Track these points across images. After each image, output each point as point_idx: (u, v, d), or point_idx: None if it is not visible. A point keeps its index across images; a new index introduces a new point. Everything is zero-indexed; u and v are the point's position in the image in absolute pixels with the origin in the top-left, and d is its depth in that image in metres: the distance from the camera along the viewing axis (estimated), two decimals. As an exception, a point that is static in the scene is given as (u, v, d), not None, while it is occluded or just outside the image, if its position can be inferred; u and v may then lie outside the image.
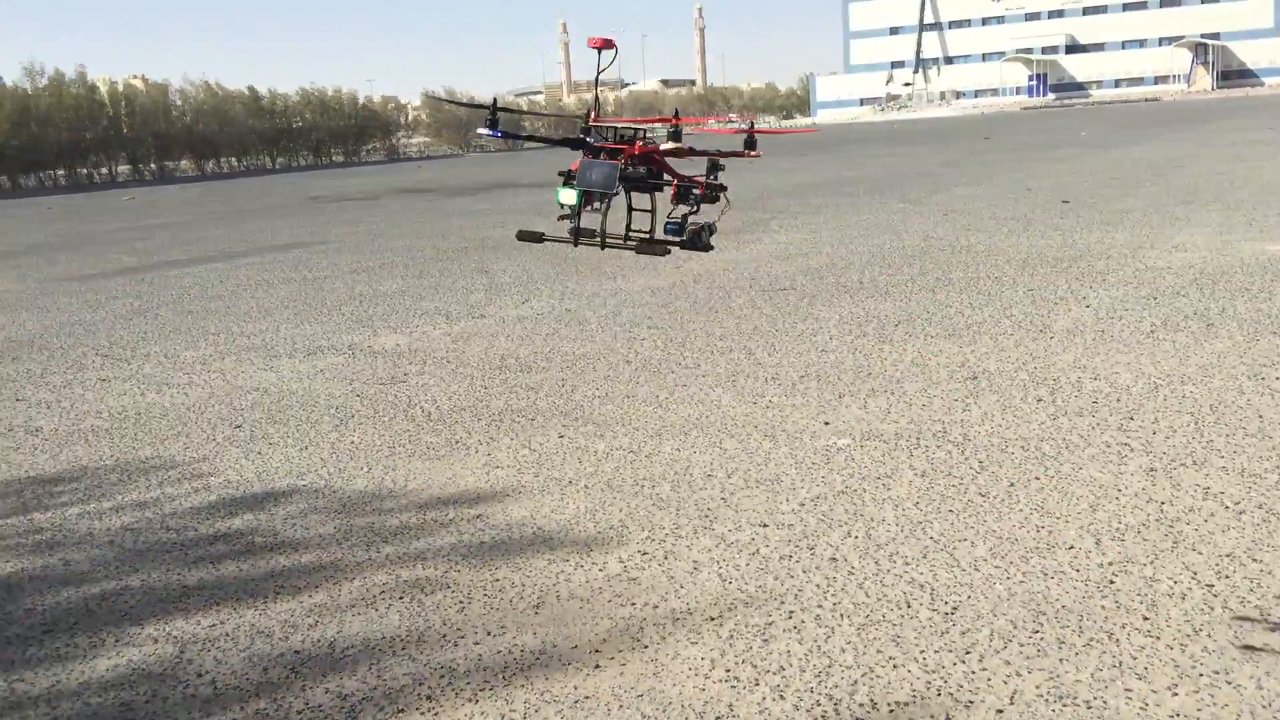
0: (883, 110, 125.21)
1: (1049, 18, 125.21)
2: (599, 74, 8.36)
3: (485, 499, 5.55)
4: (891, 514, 5.04)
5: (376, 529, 5.21)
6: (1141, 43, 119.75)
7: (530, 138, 9.42)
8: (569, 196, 8.60)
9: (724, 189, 8.63)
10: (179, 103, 69.64)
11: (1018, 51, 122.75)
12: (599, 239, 8.47)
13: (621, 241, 8.53)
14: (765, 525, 4.99)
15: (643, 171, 8.73)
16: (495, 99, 8.94)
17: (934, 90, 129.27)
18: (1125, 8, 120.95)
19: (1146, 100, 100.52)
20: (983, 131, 55.01)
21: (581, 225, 8.31)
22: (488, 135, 8.58)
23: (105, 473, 6.39)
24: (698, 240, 8.70)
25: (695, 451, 6.15)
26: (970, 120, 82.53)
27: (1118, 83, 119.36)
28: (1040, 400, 6.79)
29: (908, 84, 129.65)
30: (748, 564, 4.58)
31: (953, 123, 79.02)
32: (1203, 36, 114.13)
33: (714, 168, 8.68)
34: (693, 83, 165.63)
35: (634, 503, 5.38)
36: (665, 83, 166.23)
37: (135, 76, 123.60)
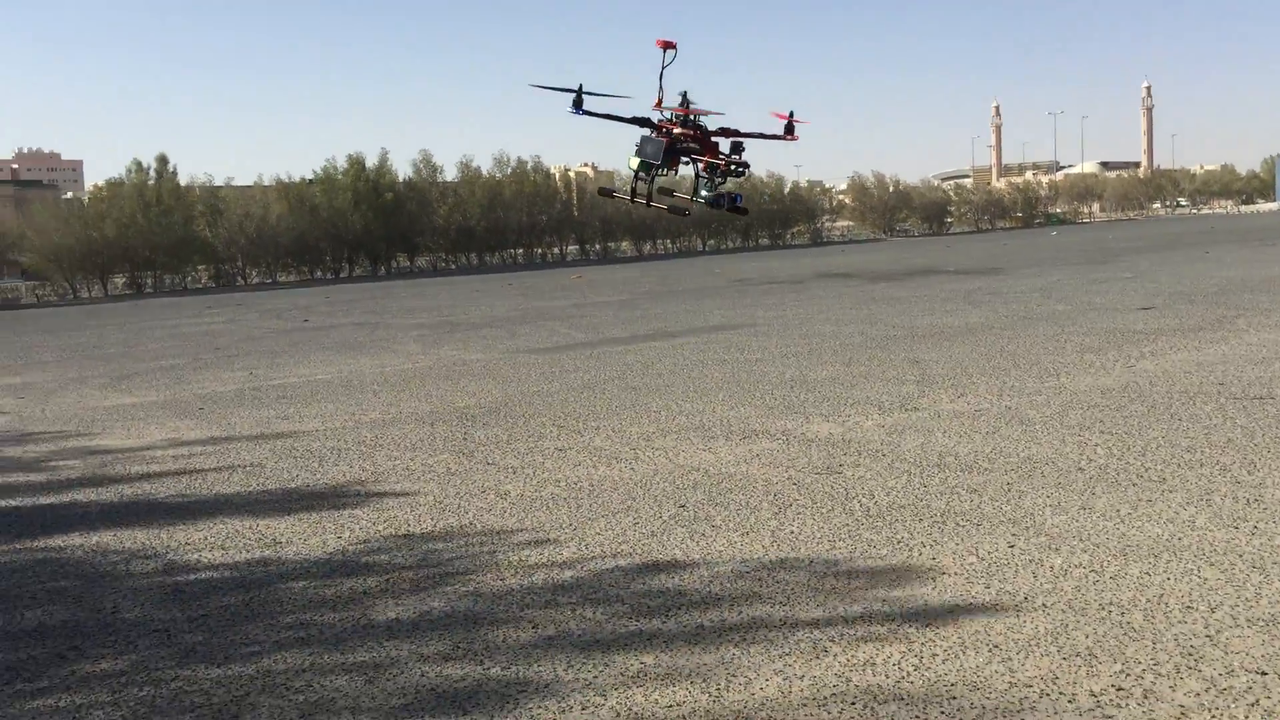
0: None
1: None
2: (664, 69, 10.34)
3: (933, 607, 5.32)
4: None
5: (823, 627, 5.14)
6: None
7: (607, 115, 10.93)
8: (634, 163, 10.89)
9: (747, 166, 10.69)
10: (622, 189, 75.19)
11: None
12: (646, 198, 10.99)
13: (659, 199, 11.06)
14: (1264, 674, 4.37)
15: (693, 148, 10.79)
16: (580, 85, 10.76)
17: None
18: None
19: None
20: None
21: (637, 187, 10.88)
22: (571, 110, 10.51)
23: (565, 537, 6.82)
24: (716, 202, 10.84)
25: (1169, 578, 5.56)
26: None
27: None
28: None
29: None
30: (1246, 718, 4.02)
31: None
32: None
33: (736, 149, 10.63)
34: (1137, 165, 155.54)
35: (1101, 629, 4.92)
36: (1105, 165, 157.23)
37: (585, 164, 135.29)
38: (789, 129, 10.54)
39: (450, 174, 66.38)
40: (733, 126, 11.17)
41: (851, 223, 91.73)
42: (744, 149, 10.90)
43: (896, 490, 7.62)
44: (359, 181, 60.70)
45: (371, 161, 62.30)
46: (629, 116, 11.09)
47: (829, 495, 7.57)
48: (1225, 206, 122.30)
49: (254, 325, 27.63)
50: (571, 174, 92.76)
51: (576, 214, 70.23)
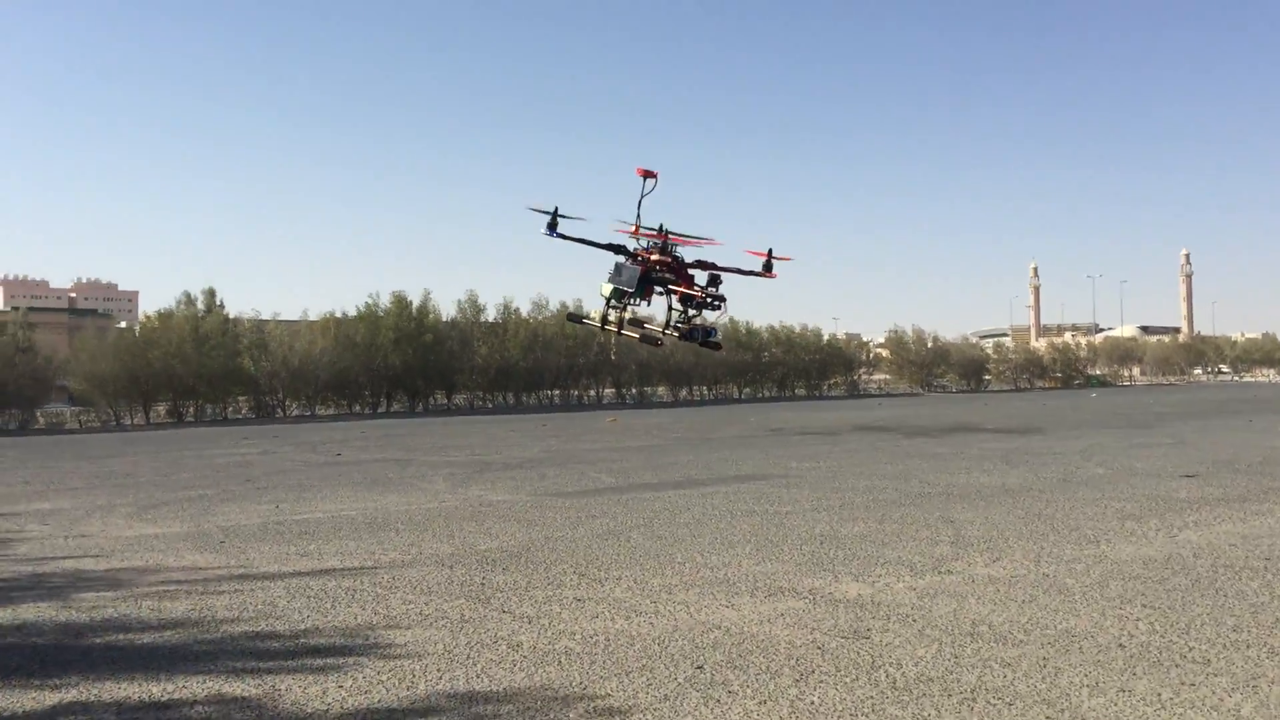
0: None
1: None
2: (642, 197, 10.15)
3: (960, 794, 4.97)
4: None
5: (839, 810, 4.80)
6: None
7: (581, 240, 10.54)
8: (606, 290, 10.61)
9: (723, 299, 10.47)
10: (662, 335, 75.92)
11: None
12: (616, 327, 10.75)
13: (631, 329, 10.69)
14: None
15: (668, 277, 10.46)
16: (556, 207, 10.44)
17: None
18: None
19: None
20: None
21: (608, 314, 10.75)
22: (545, 233, 10.36)
23: (573, 699, 6.52)
24: (690, 336, 10.57)
25: (1215, 774, 5.18)
26: None
27: None
28: None
29: None
30: None
31: None
32: None
33: (712, 281, 10.42)
34: (1177, 330, 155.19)
35: (1141, 830, 4.55)
36: (1144, 329, 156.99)
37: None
38: (768, 266, 10.37)
39: (492, 314, 67.39)
40: (709, 260, 11.04)
41: (889, 376, 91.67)
42: (721, 282, 10.73)
43: (926, 660, 7.27)
44: (402, 319, 61.70)
45: (416, 299, 63.47)
46: (604, 242, 11.01)
47: (854, 663, 7.24)
48: (1268, 375, 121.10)
49: (287, 458, 27.67)
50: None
51: (614, 357, 70.73)
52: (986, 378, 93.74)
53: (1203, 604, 8.81)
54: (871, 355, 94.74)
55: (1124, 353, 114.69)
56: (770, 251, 10.71)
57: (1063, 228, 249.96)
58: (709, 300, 10.62)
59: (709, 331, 10.96)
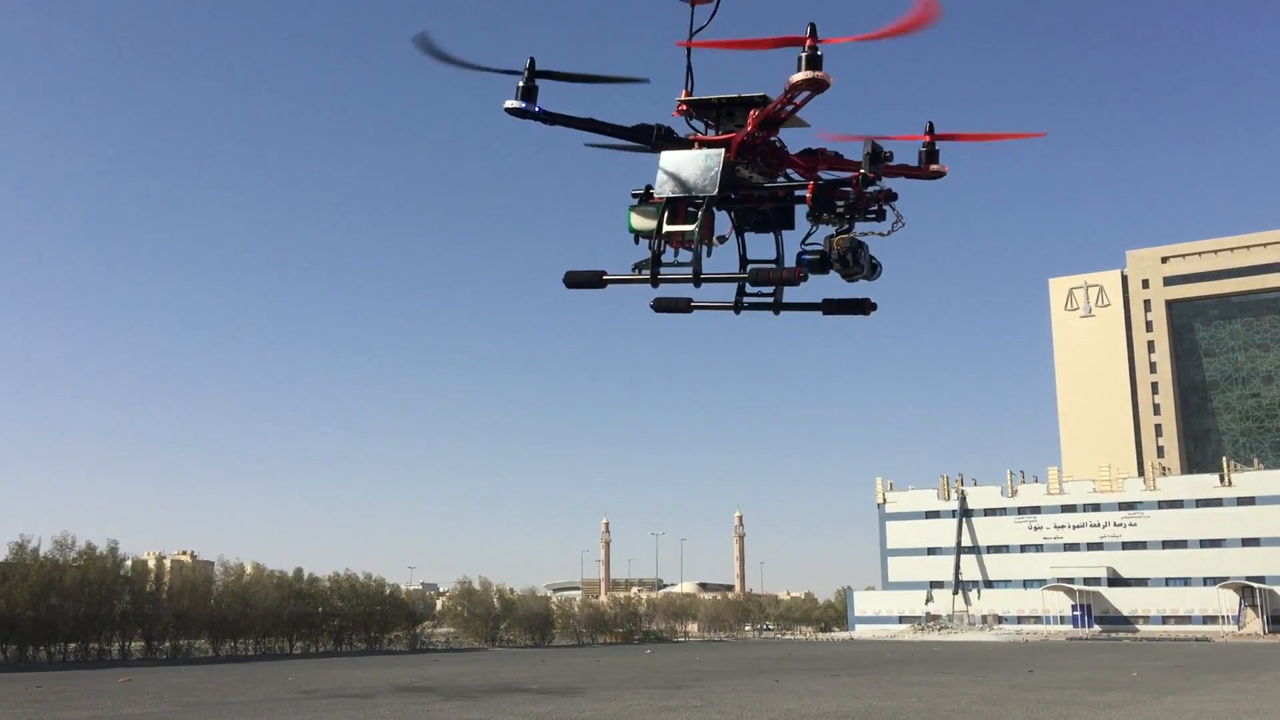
0: (922, 630, 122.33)
1: (1088, 549, 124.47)
2: (692, 35, 6.24)
3: None
4: None
5: None
6: (1186, 581, 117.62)
7: (589, 123, 6.42)
8: (643, 220, 6.15)
9: (893, 197, 6.09)
10: (214, 582, 69.65)
11: (1059, 580, 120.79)
12: (693, 277, 6.03)
13: (727, 278, 6.15)
14: None
15: (760, 179, 6.14)
16: (532, 60, 6.24)
17: (974, 613, 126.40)
18: (1165, 545, 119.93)
19: (1197, 640, 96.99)
20: (1025, 662, 52.46)
21: (660, 251, 6.10)
22: (516, 108, 6.50)
23: None
24: (850, 262, 5.95)
25: None
26: (1012, 648, 79.73)
27: (1164, 619, 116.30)
28: None
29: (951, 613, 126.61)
30: None
31: (994, 649, 76.31)
32: (1248, 579, 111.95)
33: (876, 157, 6.07)
34: (730, 587, 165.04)
35: None
36: (703, 586, 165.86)
37: (184, 552, 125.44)
38: (930, 156, 6.23)
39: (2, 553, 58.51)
40: (830, 148, 6.42)
41: (454, 629, 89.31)
42: (889, 157, 6.14)
43: None
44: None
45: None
46: (631, 125, 6.56)
47: None
48: (805, 633, 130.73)
49: None
50: (167, 562, 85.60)
51: (165, 602, 63.17)
52: (553, 632, 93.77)
53: None
54: (441, 607, 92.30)
55: (681, 609, 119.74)
56: (932, 128, 6.31)
57: (632, 484, 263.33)
58: (864, 199, 5.99)
59: (874, 263, 6.35)
